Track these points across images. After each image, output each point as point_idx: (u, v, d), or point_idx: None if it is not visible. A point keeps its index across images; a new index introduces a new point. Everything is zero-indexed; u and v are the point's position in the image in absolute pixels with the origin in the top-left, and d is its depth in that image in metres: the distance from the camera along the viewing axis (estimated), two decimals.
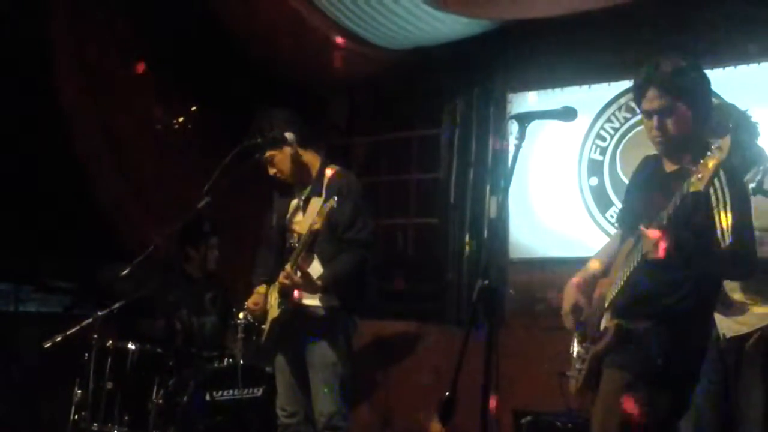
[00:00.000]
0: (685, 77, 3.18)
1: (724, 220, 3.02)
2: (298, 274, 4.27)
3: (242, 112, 4.83)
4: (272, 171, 4.55)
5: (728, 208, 3.02)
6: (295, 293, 4.40)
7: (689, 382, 3.23)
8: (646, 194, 3.34)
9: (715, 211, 3.03)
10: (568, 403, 4.69)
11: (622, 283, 3.15)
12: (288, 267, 4.30)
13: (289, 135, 4.49)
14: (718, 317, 3.73)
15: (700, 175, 2.81)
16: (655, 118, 3.19)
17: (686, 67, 3.22)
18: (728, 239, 3.00)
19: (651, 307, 3.14)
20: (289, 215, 4.63)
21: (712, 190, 3.00)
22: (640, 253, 3.07)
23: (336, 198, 4.17)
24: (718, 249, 3.02)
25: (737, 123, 3.84)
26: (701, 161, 2.81)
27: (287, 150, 4.50)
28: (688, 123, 3.17)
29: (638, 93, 3.25)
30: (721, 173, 2.98)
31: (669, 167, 3.29)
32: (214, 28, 6.26)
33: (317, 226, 4.17)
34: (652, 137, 3.26)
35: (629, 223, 3.38)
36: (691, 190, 2.84)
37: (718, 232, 3.02)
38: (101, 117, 6.50)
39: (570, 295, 3.43)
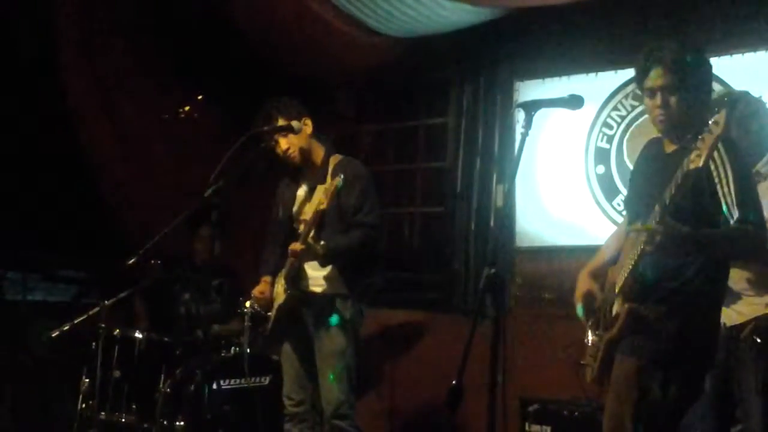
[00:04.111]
0: (689, 57, 3.21)
1: (728, 194, 3.03)
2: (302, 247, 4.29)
3: (249, 101, 4.82)
4: (285, 146, 4.53)
5: (731, 181, 3.03)
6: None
7: (702, 367, 3.23)
8: (648, 177, 3.36)
9: (718, 187, 3.04)
10: (585, 393, 4.68)
11: (630, 267, 3.16)
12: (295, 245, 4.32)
13: (305, 120, 4.53)
14: None
15: (698, 152, 2.82)
16: (658, 95, 3.21)
17: (689, 49, 3.25)
18: (735, 213, 3.01)
19: (658, 291, 3.15)
20: (296, 207, 4.63)
21: (713, 166, 3.02)
22: (644, 239, 3.08)
23: (342, 176, 4.17)
24: (727, 228, 3.03)
25: (753, 110, 3.84)
26: (699, 137, 2.83)
27: (303, 134, 4.52)
28: (690, 103, 3.19)
29: (641, 73, 3.27)
30: (721, 148, 3.00)
31: (669, 148, 3.31)
32: (220, 18, 6.26)
33: (323, 206, 4.18)
34: (654, 117, 3.28)
35: (635, 207, 3.38)
36: (691, 167, 2.84)
37: (724, 207, 3.03)
38: (107, 107, 6.50)
39: (583, 282, 3.44)
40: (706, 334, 3.21)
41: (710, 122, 2.82)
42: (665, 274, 3.15)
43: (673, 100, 3.18)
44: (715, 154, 3.00)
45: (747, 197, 3.06)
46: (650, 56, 3.23)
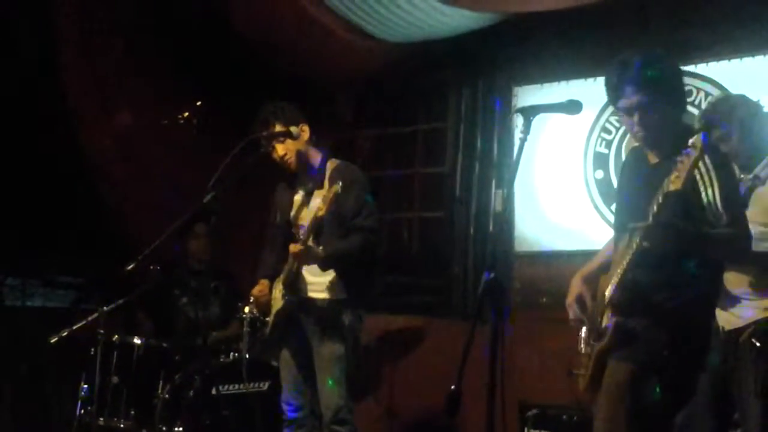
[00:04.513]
0: (657, 68, 3.21)
1: (714, 200, 3.04)
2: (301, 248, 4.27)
3: (248, 107, 4.83)
4: (282, 152, 4.53)
5: (716, 188, 3.05)
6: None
7: (695, 369, 3.24)
8: (634, 188, 3.38)
9: (703, 194, 3.05)
10: (578, 400, 4.68)
11: (617, 279, 3.17)
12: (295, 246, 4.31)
13: (303, 126, 4.54)
14: (717, 310, 3.74)
15: (677, 174, 2.86)
16: (636, 115, 3.22)
17: (655, 59, 3.25)
18: (722, 218, 3.02)
19: (645, 304, 3.16)
20: (293, 212, 4.63)
21: (698, 175, 3.03)
22: (632, 250, 3.09)
23: (340, 183, 4.17)
24: (717, 231, 3.04)
25: (752, 112, 3.84)
26: (678, 159, 2.86)
27: (300, 139, 4.53)
28: (668, 113, 3.19)
29: (614, 92, 3.27)
30: (705, 157, 3.01)
31: (653, 159, 3.32)
32: (220, 19, 6.26)
33: (321, 212, 4.17)
34: (634, 133, 3.30)
35: (623, 218, 3.39)
36: (671, 188, 2.89)
37: (709, 214, 3.04)
38: (107, 107, 6.50)
39: (575, 287, 3.45)
40: (699, 339, 3.22)
41: (689, 145, 2.85)
42: (653, 286, 3.16)
43: (651, 117, 3.19)
44: (699, 161, 3.02)
45: (733, 202, 3.08)
46: (618, 75, 3.23)
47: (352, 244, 4.40)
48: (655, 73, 3.18)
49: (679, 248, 3.05)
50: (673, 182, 2.86)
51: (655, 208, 2.97)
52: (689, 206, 3.07)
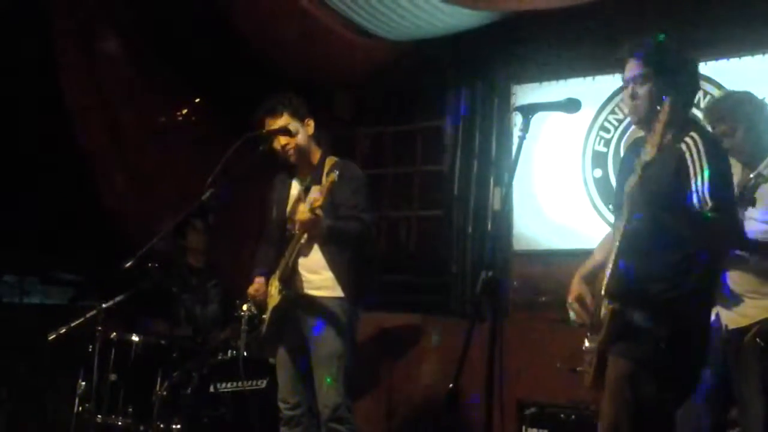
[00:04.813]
0: (668, 54, 3.23)
1: (702, 185, 3.04)
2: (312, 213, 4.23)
3: (246, 105, 4.83)
4: (283, 142, 4.53)
5: (705, 173, 3.04)
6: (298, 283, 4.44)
7: (695, 366, 3.23)
8: (629, 178, 3.36)
9: (692, 180, 3.05)
10: (582, 397, 4.68)
11: (611, 266, 3.16)
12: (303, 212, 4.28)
13: (308, 121, 4.59)
14: (721, 309, 3.73)
15: (651, 143, 2.88)
16: (630, 86, 3.23)
17: (669, 45, 3.26)
18: (709, 202, 3.02)
19: (641, 295, 3.14)
20: (290, 207, 4.63)
21: (689, 160, 3.05)
22: (620, 234, 3.09)
23: (337, 172, 4.15)
24: (699, 216, 3.04)
25: (757, 109, 3.85)
26: (651, 130, 2.90)
27: (304, 134, 4.55)
28: (668, 95, 3.17)
29: (620, 66, 3.29)
30: (699, 141, 3.04)
31: (651, 149, 3.31)
32: (219, 21, 6.26)
33: (318, 203, 4.15)
34: (630, 110, 3.32)
35: (620, 206, 3.38)
36: (646, 159, 2.88)
37: (696, 197, 3.04)
38: (106, 107, 6.50)
39: (575, 287, 3.44)
40: (698, 334, 3.20)
41: (657, 109, 2.86)
42: (648, 276, 3.15)
43: (641, 90, 3.20)
44: (693, 146, 3.04)
45: (721, 189, 3.07)
46: (629, 48, 3.25)
47: (350, 227, 4.39)
48: (661, 51, 3.21)
49: (662, 218, 3.06)
50: (648, 152, 2.86)
51: (632, 182, 2.98)
52: (672, 186, 3.07)
